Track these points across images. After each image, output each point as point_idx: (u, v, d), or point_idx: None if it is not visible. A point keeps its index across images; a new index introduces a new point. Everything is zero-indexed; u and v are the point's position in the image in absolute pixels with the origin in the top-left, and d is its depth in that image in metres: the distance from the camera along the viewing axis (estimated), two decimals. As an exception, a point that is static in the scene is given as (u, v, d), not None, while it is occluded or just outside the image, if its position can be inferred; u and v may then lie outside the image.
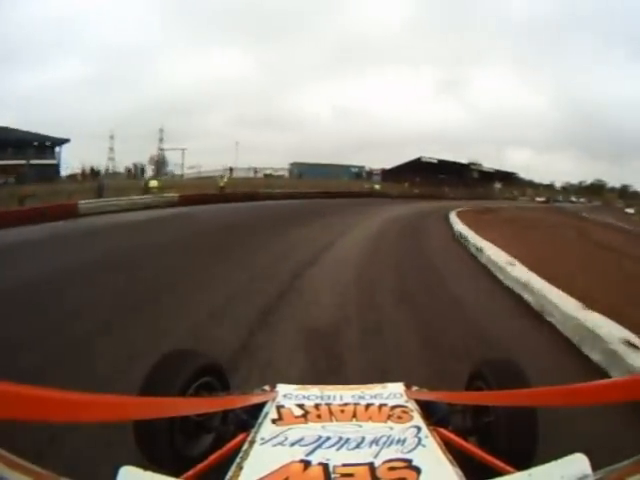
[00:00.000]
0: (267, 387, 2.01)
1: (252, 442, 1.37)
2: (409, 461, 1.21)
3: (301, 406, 1.69)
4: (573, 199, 65.64)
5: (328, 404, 1.70)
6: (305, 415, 1.61)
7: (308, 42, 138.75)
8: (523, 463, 1.23)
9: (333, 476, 1.14)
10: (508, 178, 64.41)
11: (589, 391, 1.07)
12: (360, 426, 1.51)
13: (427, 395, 1.89)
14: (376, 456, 1.25)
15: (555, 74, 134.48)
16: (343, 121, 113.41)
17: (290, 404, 1.70)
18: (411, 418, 1.56)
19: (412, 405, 1.67)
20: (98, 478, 1.10)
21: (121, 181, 33.85)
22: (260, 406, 1.71)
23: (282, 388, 1.91)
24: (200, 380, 1.84)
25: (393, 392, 1.83)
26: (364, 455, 1.27)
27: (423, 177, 53.23)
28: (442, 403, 1.83)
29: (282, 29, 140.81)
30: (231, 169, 49.70)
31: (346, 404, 1.71)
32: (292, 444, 1.34)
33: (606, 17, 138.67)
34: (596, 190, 78.92)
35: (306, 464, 1.20)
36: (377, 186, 41.53)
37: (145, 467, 1.04)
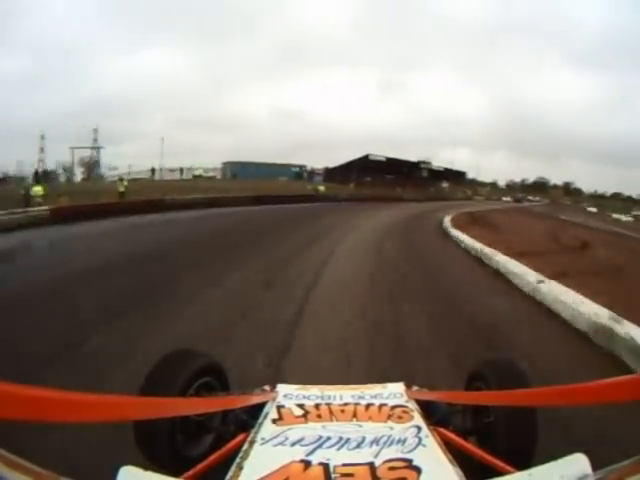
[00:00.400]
0: (267, 387, 2.05)
1: (252, 442, 1.39)
2: (409, 461, 1.23)
3: (301, 406, 1.72)
4: (530, 198, 63.48)
5: (328, 404, 1.74)
6: (305, 415, 1.64)
7: (248, 43, 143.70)
8: (523, 463, 1.26)
9: (333, 476, 1.16)
10: (457, 177, 66.04)
11: (590, 391, 1.09)
12: (360, 426, 1.53)
13: (427, 395, 1.93)
14: (376, 456, 1.27)
15: (491, 77, 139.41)
16: (286, 122, 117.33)
17: (290, 404, 1.74)
18: (411, 418, 1.58)
19: (412, 405, 1.70)
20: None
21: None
22: (260, 406, 1.73)
23: (282, 388, 1.96)
24: (200, 380, 1.85)
25: (393, 392, 1.86)
26: (364, 455, 1.28)
27: (370, 176, 52.07)
28: (442, 403, 1.86)
29: (222, 29, 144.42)
30: (153, 170, 45.72)
31: (346, 404, 1.74)
32: (292, 444, 1.37)
33: (542, 23, 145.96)
34: (539, 187, 79.73)
35: (306, 464, 1.22)
36: (321, 187, 36.19)
37: (145, 467, 1.05)
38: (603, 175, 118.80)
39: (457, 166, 66.78)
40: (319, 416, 1.63)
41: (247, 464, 1.24)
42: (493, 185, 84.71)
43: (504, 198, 65.59)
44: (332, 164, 58.02)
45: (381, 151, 51.80)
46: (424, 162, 59.74)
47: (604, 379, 1.00)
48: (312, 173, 59.03)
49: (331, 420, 1.60)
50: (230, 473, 1.19)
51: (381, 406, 1.73)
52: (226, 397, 1.99)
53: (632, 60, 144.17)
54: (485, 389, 1.86)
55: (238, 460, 1.27)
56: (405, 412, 1.65)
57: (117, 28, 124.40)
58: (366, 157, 50.42)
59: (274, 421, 1.58)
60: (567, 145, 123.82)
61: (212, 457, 1.47)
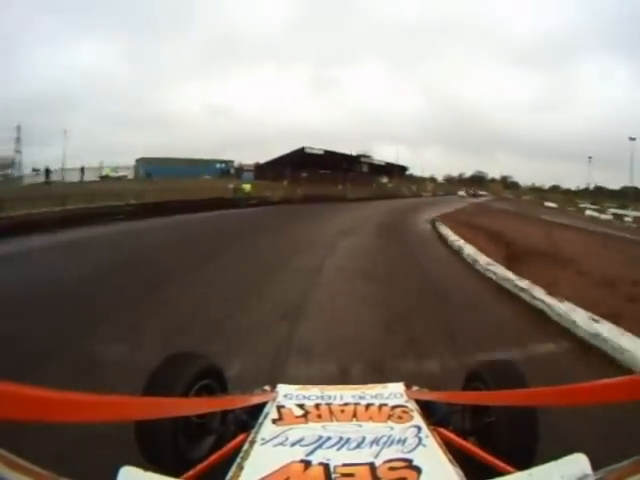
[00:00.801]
0: (267, 387, 2.11)
1: (253, 442, 1.41)
2: (409, 461, 1.25)
3: (301, 406, 1.74)
4: (479, 192, 60.47)
5: (328, 404, 1.77)
6: (305, 415, 1.66)
7: (176, 40, 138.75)
8: (525, 463, 1.29)
9: (334, 476, 1.17)
10: (397, 172, 63.67)
11: (589, 391, 1.11)
12: (360, 426, 1.56)
13: (427, 395, 1.97)
14: (376, 456, 1.29)
15: (422, 74, 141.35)
16: (218, 119, 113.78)
17: (290, 404, 1.77)
18: (411, 418, 1.61)
19: (412, 405, 1.74)
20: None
21: None
22: (260, 406, 1.77)
23: (282, 388, 2.00)
24: (201, 382, 1.90)
25: (393, 392, 1.90)
26: (364, 455, 1.31)
27: (307, 172, 47.00)
28: (442, 403, 1.90)
29: (149, 25, 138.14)
30: (47, 171, 38.36)
31: (346, 404, 1.77)
32: (293, 444, 1.38)
33: (476, 21, 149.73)
34: (477, 181, 79.66)
35: (306, 464, 1.24)
36: (247, 186, 28.66)
37: (145, 467, 1.07)
38: (536, 168, 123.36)
39: (394, 162, 64.75)
40: (319, 416, 1.65)
41: (247, 464, 1.26)
42: (432, 180, 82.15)
43: (460, 193, 64.52)
44: (265, 160, 50.43)
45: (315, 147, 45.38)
46: (364, 156, 56.42)
47: (604, 379, 1.01)
48: (241, 170, 51.47)
49: (331, 420, 1.62)
50: (230, 473, 1.21)
51: (381, 406, 1.75)
52: (227, 397, 2.02)
53: (563, 59, 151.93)
54: (484, 389, 1.86)
55: (238, 460, 1.29)
56: (405, 412, 1.68)
57: (40, 21, 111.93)
58: (302, 150, 45.07)
59: (274, 421, 1.60)
60: (499, 140, 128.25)
61: (212, 457, 1.49)
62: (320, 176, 47.76)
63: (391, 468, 1.19)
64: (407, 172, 70.88)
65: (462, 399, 1.92)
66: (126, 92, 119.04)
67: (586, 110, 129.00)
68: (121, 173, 44.75)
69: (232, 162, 54.53)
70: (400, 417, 1.61)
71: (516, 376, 1.86)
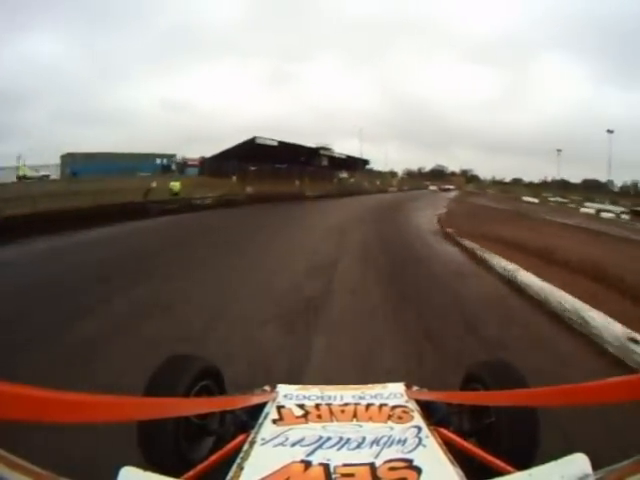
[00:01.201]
0: (267, 387, 2.09)
1: (253, 442, 1.39)
2: (410, 461, 1.23)
3: (301, 406, 1.72)
4: (449, 187, 58.64)
5: (329, 404, 1.75)
6: (306, 415, 1.64)
7: (134, 34, 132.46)
8: (526, 463, 1.29)
9: (334, 476, 1.15)
10: (358, 166, 59.53)
11: (589, 391, 1.10)
12: (360, 426, 1.53)
13: (427, 395, 1.95)
14: (377, 456, 1.27)
15: (381, 69, 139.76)
16: (173, 115, 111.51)
17: (290, 404, 1.75)
18: (411, 418, 1.58)
19: (412, 405, 1.72)
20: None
21: None
22: (261, 406, 1.75)
23: (282, 388, 1.99)
24: (200, 383, 1.89)
25: (393, 392, 1.87)
26: (365, 455, 1.29)
27: (259, 166, 41.89)
28: (442, 403, 1.88)
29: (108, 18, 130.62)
30: None
31: (346, 404, 1.75)
32: (293, 444, 1.36)
33: (432, 19, 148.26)
34: (437, 175, 77.32)
35: (307, 464, 1.22)
36: (175, 185, 22.34)
37: (145, 467, 1.06)
38: (494, 162, 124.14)
39: (355, 155, 61.96)
40: (319, 416, 1.62)
41: (247, 464, 1.23)
42: (392, 174, 78.68)
43: (431, 187, 63.16)
44: (212, 153, 44.36)
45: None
46: (324, 148, 51.93)
47: (604, 379, 0.99)
48: (184, 165, 44.13)
49: (331, 420, 1.59)
50: (231, 473, 1.19)
51: (381, 406, 1.71)
52: (227, 398, 2.02)
53: (518, 57, 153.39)
54: (482, 390, 1.85)
55: (239, 460, 1.27)
56: (405, 412, 1.64)
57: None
58: (253, 141, 40.15)
59: (274, 421, 1.57)
60: (457, 134, 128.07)
61: (213, 457, 1.47)
62: (274, 170, 44.29)
63: (391, 468, 1.19)
64: (367, 166, 67.91)
65: (462, 399, 1.90)
66: (74, 86, 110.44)
67: (543, 107, 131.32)
68: (43, 172, 39.36)
69: (174, 156, 48.58)
70: (400, 417, 1.59)
71: (515, 377, 1.85)
